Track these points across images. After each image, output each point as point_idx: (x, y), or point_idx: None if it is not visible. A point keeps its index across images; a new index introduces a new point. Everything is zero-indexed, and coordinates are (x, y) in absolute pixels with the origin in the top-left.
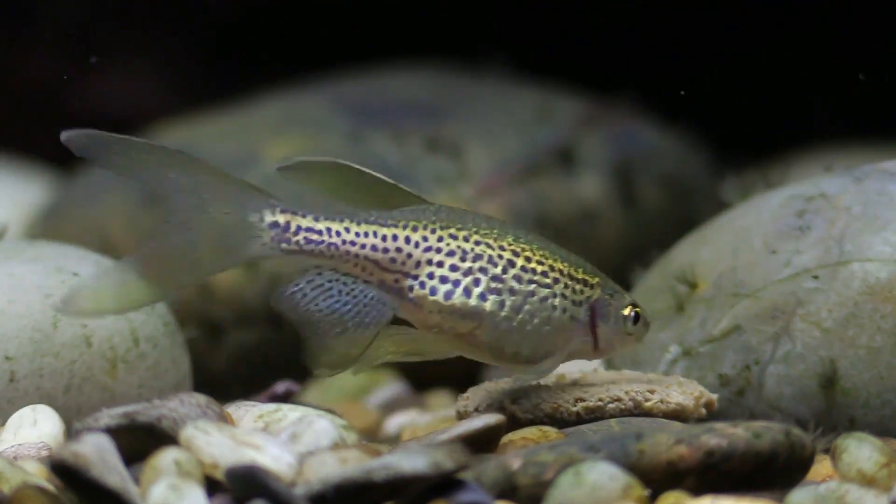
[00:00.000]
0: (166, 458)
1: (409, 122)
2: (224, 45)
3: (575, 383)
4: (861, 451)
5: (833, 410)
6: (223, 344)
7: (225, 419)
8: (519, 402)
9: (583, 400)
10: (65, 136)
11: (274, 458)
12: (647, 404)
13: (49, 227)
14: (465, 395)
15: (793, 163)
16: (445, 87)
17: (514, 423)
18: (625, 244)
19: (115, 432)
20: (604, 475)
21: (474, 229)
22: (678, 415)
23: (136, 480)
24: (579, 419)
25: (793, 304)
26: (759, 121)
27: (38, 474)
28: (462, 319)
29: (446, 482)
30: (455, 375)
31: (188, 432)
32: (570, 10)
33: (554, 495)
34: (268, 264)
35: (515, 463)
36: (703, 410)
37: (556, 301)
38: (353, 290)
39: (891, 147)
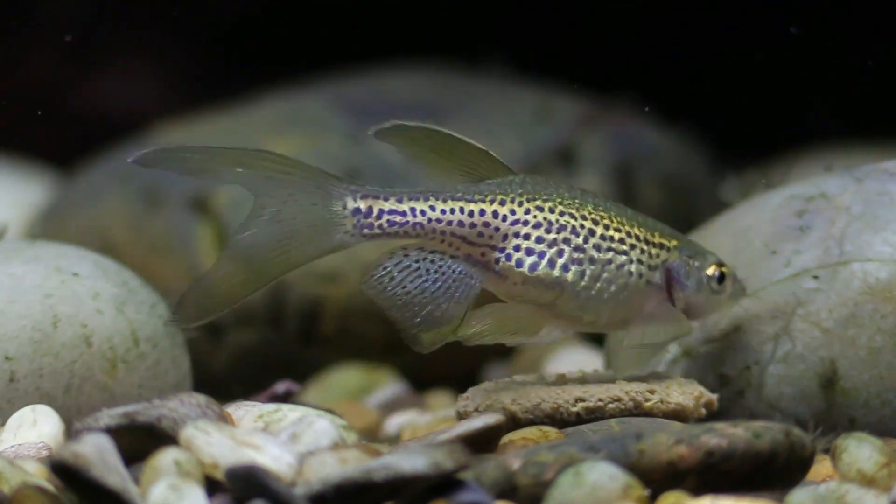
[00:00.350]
0: (166, 458)
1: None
2: (224, 44)
3: (575, 383)
4: (861, 451)
5: (833, 410)
6: (223, 344)
7: (225, 419)
8: (519, 402)
9: (583, 400)
10: (134, 158)
11: (274, 458)
12: (647, 404)
13: (49, 227)
14: (465, 395)
15: (793, 163)
16: (445, 87)
17: (514, 423)
18: None
19: (115, 432)
20: (604, 475)
21: (558, 200)
22: (678, 415)
23: (136, 480)
24: (579, 419)
25: (793, 305)
26: (759, 121)
27: (38, 474)
28: (545, 290)
29: (446, 482)
30: (455, 375)
31: (188, 432)
32: (569, 9)
33: (554, 495)
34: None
35: (515, 463)
36: (703, 410)
37: (633, 267)
38: (440, 266)
39: (891, 147)
